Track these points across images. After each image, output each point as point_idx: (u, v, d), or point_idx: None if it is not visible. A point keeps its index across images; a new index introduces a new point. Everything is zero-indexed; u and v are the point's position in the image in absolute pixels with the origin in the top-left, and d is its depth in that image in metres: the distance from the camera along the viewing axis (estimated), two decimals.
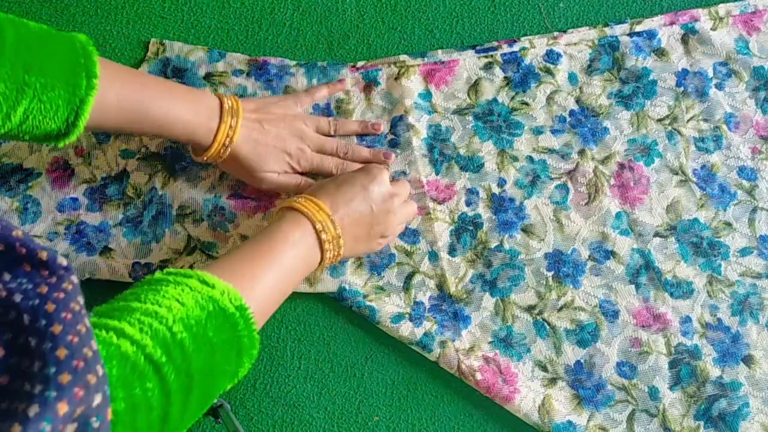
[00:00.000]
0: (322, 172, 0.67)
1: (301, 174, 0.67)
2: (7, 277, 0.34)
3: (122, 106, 0.55)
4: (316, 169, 0.66)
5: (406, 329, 0.64)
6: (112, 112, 0.55)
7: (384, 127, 0.70)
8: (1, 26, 0.49)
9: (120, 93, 0.55)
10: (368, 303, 0.65)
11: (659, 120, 0.70)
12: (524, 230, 0.68)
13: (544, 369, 0.64)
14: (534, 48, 0.72)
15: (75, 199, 0.67)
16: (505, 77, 0.71)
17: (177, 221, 0.67)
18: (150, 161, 0.69)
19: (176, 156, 0.68)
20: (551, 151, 0.69)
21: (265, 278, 0.53)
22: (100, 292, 0.67)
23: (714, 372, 0.64)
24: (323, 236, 0.57)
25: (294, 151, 0.65)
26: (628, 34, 0.72)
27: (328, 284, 0.65)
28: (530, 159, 0.69)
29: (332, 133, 0.68)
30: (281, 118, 0.65)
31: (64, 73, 0.51)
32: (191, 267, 0.65)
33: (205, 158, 0.62)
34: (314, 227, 0.57)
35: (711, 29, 0.72)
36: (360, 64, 0.71)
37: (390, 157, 0.68)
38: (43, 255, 0.35)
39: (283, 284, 0.56)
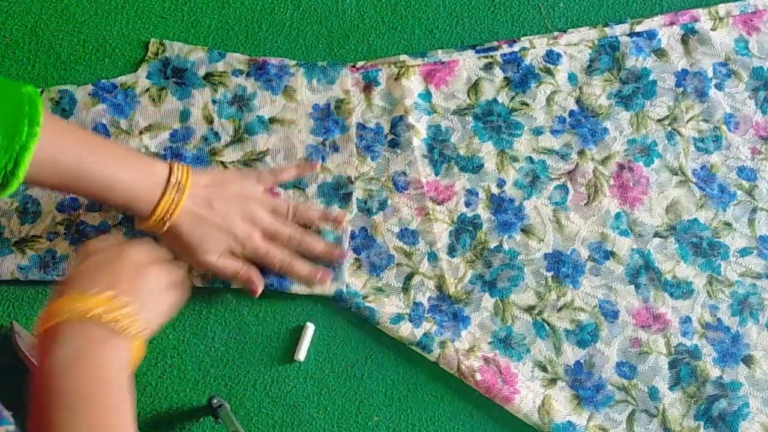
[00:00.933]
0: (266, 265, 0.62)
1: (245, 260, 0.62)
2: None
3: (58, 160, 0.52)
4: (259, 259, 0.62)
5: (405, 330, 0.64)
6: (49, 166, 0.51)
7: (346, 223, 0.66)
8: None
9: (59, 147, 0.52)
10: (368, 304, 0.65)
11: (659, 120, 0.70)
12: (524, 231, 0.68)
13: (544, 369, 0.64)
14: (534, 48, 0.72)
15: (75, 199, 0.67)
16: (505, 77, 0.71)
17: None
18: None
19: (176, 156, 0.68)
20: (551, 151, 0.69)
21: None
22: None
23: (714, 372, 0.64)
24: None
25: (241, 234, 0.60)
26: (628, 35, 0.72)
27: (326, 286, 0.65)
28: (530, 159, 0.69)
29: (289, 219, 0.63)
30: (234, 198, 0.60)
31: (5, 119, 0.48)
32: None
33: (143, 228, 0.58)
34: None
35: (711, 29, 0.72)
36: (360, 64, 0.71)
37: (343, 256, 0.65)
38: None
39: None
